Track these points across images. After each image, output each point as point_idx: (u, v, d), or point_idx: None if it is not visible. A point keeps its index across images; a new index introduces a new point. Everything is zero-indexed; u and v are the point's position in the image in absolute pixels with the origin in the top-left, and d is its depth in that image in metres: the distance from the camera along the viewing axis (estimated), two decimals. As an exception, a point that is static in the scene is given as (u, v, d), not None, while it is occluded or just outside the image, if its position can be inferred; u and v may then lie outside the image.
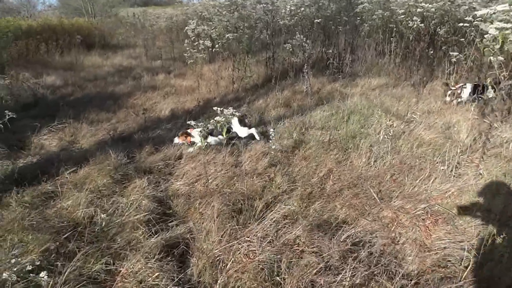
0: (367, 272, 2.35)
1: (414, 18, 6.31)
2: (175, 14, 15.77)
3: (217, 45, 7.43)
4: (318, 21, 7.56)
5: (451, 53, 6.05)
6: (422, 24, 6.32)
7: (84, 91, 7.71)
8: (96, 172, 3.75)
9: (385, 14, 7.34)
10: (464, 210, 2.99)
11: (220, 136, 4.56)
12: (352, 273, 2.32)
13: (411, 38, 6.82)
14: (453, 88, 5.74)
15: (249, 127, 4.86)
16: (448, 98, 5.73)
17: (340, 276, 2.29)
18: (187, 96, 7.24)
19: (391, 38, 7.61)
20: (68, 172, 3.81)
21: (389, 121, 4.61)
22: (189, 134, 4.62)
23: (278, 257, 2.49)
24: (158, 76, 8.89)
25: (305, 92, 6.76)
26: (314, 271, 2.30)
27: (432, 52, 6.72)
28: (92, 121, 5.69)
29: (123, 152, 4.28)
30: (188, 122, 3.35)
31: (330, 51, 7.87)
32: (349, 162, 4.07)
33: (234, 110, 3.29)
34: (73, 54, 11.45)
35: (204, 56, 7.50)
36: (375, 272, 2.37)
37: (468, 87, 5.69)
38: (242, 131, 4.79)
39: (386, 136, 4.22)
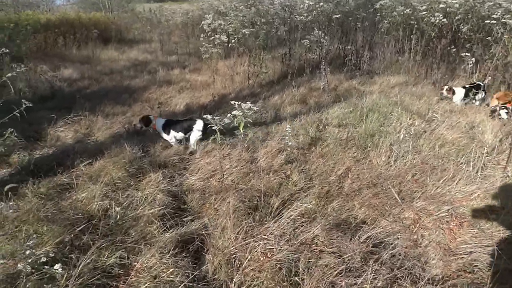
0: (389, 275, 2.24)
1: (436, 14, 6.10)
2: (191, 9, 15.77)
3: (233, 40, 7.35)
4: (337, 16, 7.40)
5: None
6: (445, 19, 6.11)
7: (100, 85, 7.75)
8: (111, 165, 3.73)
9: (405, 11, 7.13)
10: (491, 213, 2.86)
11: (180, 133, 4.47)
12: (373, 275, 2.23)
13: (432, 35, 6.61)
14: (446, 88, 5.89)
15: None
16: (445, 92, 5.82)
17: (361, 278, 2.19)
18: (202, 91, 7.20)
19: (411, 36, 7.40)
20: (83, 164, 3.79)
21: (410, 119, 4.47)
22: (149, 119, 4.50)
23: (296, 256, 2.40)
24: (173, 71, 8.87)
25: (322, 89, 6.65)
26: (335, 272, 2.21)
27: (454, 50, 6.51)
28: (108, 114, 5.69)
29: (138, 146, 4.26)
30: (204, 116, 3.28)
31: (349, 47, 7.71)
32: (368, 161, 3.95)
33: (252, 105, 3.21)
34: (90, 48, 11.53)
35: (219, 51, 7.43)
36: (398, 276, 2.27)
37: (459, 92, 5.77)
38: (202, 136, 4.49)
39: (407, 135, 4.09)
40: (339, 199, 3.27)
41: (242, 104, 3.20)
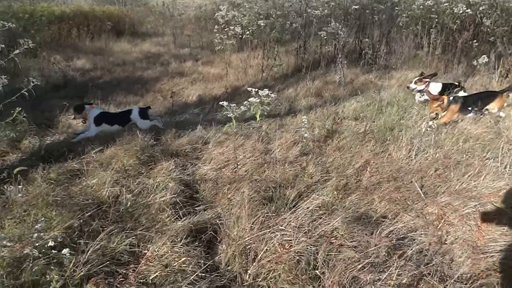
0: (415, 272, 2.10)
1: (459, 4, 5.85)
2: (204, 3, 15.66)
3: (247, 32, 7.23)
4: (356, 7, 7.19)
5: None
6: (469, 10, 5.84)
7: (113, 75, 7.71)
8: (123, 153, 3.64)
9: (427, 2, 6.88)
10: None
11: (116, 126, 4.30)
12: (398, 271, 2.08)
13: (454, 28, 6.36)
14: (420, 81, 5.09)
15: (150, 120, 4.45)
16: (412, 85, 5.09)
17: (386, 274, 2.05)
18: (214, 83, 7.11)
19: (431, 30, 7.16)
20: (94, 151, 3.71)
21: (432, 113, 4.29)
22: (82, 107, 4.24)
23: (314, 249, 2.27)
24: (186, 63, 8.78)
25: (338, 83, 6.48)
26: (360, 265, 2.07)
27: (476, 44, 6.25)
28: (120, 103, 5.63)
29: (150, 134, 4.17)
30: (221, 103, 3.15)
31: (367, 39, 7.50)
32: (388, 154, 3.79)
33: (270, 92, 3.08)
34: (103, 40, 11.51)
35: (233, 42, 7.31)
36: (424, 273, 2.12)
37: (436, 87, 5.05)
38: (142, 123, 4.35)
39: (428, 129, 3.92)
40: (358, 192, 3.12)
41: (259, 91, 3.08)
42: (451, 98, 4.45)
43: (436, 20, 6.87)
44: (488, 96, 4.55)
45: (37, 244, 2.15)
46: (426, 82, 5.03)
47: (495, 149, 3.60)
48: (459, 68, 6.59)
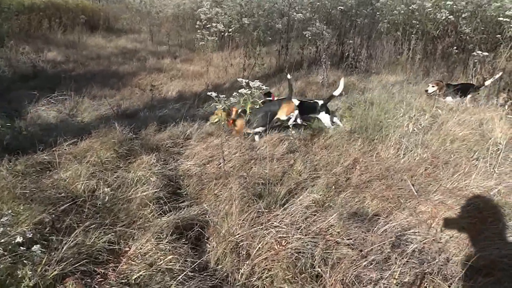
0: (418, 270, 2.00)
1: (443, 10, 5.95)
2: (183, 2, 15.36)
3: (230, 30, 7.08)
4: (341, 8, 7.18)
5: (477, 52, 5.67)
6: (451, 16, 5.94)
7: (87, 68, 7.33)
8: (99, 145, 3.38)
9: (411, 6, 6.93)
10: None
11: None
12: (400, 269, 1.98)
13: (436, 34, 6.45)
14: None
15: None
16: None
17: (388, 272, 1.94)
18: (194, 81, 6.90)
19: (412, 35, 7.26)
20: (67, 143, 3.42)
21: (418, 113, 4.28)
22: None
23: (311, 246, 2.13)
24: (164, 60, 8.50)
25: (321, 83, 6.44)
26: (363, 263, 1.95)
27: (457, 51, 6.36)
28: (95, 96, 5.32)
29: (129, 127, 3.92)
30: (209, 94, 2.98)
31: (351, 41, 7.52)
32: (376, 153, 3.73)
33: (262, 84, 2.94)
34: (76, 33, 10.99)
35: (215, 39, 7.14)
36: (426, 271, 2.02)
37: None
38: None
39: (415, 129, 3.90)
40: (349, 190, 3.02)
41: (250, 82, 2.93)
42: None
43: (418, 26, 6.97)
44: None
45: (2, 240, 1.89)
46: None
47: (481, 150, 3.62)
48: (437, 74, 6.71)
